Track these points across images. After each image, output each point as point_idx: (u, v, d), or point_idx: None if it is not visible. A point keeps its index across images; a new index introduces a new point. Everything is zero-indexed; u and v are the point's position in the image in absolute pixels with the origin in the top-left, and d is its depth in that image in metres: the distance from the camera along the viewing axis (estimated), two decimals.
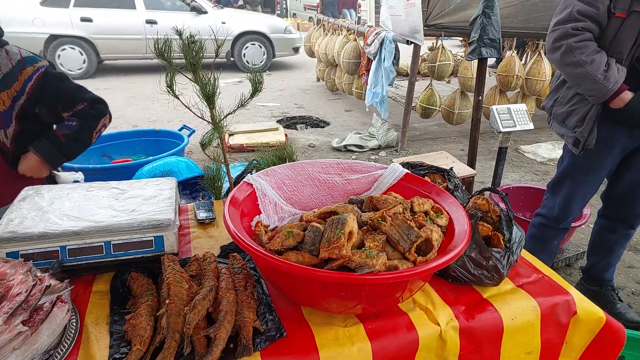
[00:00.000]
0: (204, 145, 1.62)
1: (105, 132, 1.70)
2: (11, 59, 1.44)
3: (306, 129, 5.01)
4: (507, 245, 1.12)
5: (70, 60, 7.07)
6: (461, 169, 2.57)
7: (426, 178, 1.47)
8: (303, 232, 0.88)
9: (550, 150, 4.28)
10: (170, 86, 1.49)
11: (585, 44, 1.63)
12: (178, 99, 1.54)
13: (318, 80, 6.88)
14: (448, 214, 1.06)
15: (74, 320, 0.87)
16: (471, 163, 2.94)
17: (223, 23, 7.69)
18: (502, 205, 1.41)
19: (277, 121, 5.13)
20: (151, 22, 7.35)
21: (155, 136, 3.55)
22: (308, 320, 0.94)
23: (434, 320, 0.97)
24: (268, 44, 8.01)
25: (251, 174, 1.14)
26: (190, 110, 1.59)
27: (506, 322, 1.01)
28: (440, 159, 2.71)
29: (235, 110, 1.61)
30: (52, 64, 1.55)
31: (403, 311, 0.98)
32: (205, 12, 7.72)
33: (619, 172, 1.90)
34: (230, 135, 4.27)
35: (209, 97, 1.38)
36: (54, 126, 1.58)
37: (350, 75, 5.16)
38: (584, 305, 1.10)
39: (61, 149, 1.52)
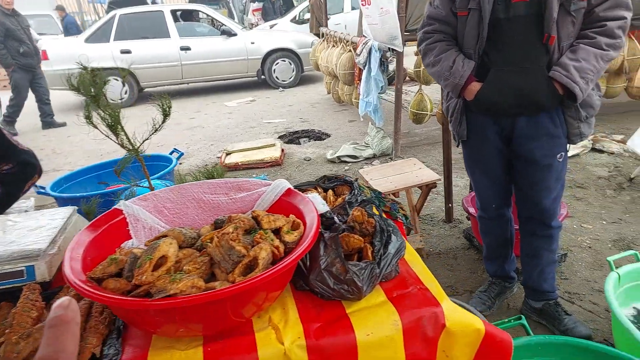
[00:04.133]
0: (117, 171, 1.68)
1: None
2: None
3: (309, 142, 5.06)
4: (376, 257, 1.10)
5: (113, 90, 7.54)
6: (425, 175, 2.51)
7: (327, 191, 1.47)
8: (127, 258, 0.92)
9: None
10: (87, 117, 1.55)
11: (434, 46, 1.79)
12: (97, 128, 1.61)
13: (328, 93, 6.94)
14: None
15: None
16: (447, 167, 2.86)
17: (252, 43, 8.01)
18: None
19: (280, 137, 5.22)
20: (185, 48, 7.77)
21: (149, 161, 3.71)
22: (152, 345, 0.96)
23: (280, 339, 0.97)
24: (297, 60, 8.22)
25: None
26: (109, 138, 1.65)
27: (361, 337, 0.99)
28: (407, 165, 2.66)
29: (150, 136, 1.66)
30: None
31: (252, 330, 0.99)
32: (235, 35, 8.07)
33: (513, 167, 1.90)
34: (227, 154, 4.39)
35: (111, 127, 1.44)
36: None
37: (349, 86, 5.17)
38: (456, 317, 1.05)
39: None
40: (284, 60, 8.21)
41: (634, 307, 1.87)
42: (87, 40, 7.60)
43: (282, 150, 4.49)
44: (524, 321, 1.60)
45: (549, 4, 1.56)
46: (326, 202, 1.39)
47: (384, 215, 1.58)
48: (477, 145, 1.92)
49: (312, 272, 1.06)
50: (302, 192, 1.44)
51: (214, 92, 8.32)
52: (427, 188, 2.52)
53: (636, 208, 3.04)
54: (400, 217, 1.67)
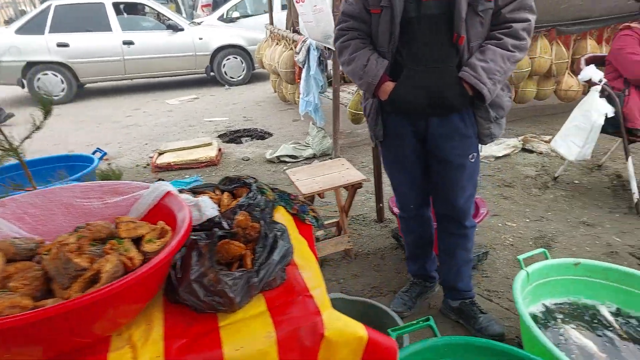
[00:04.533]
0: None
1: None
2: None
3: (251, 141, 4.94)
4: (255, 264, 1.03)
5: (51, 85, 7.05)
6: (351, 175, 2.48)
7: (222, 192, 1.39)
8: None
9: (487, 147, 4.16)
10: None
11: (349, 43, 1.74)
12: None
13: (275, 92, 6.83)
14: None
15: None
16: (377, 167, 2.85)
17: (200, 39, 7.73)
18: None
19: (220, 136, 5.06)
20: (128, 42, 7.38)
21: (69, 161, 3.47)
22: None
23: (136, 359, 0.88)
24: (247, 57, 8.01)
25: None
26: None
27: (229, 352, 0.91)
28: (335, 166, 2.62)
29: (31, 134, 1.51)
30: None
31: (107, 350, 0.89)
32: (182, 30, 7.75)
33: (430, 167, 1.89)
34: (160, 154, 4.20)
35: None
36: None
37: (291, 84, 5.10)
38: (337, 325, 1.00)
39: None
40: (236, 58, 8.00)
41: (542, 304, 1.91)
42: (18, 31, 7.07)
43: (220, 149, 4.35)
44: (431, 322, 1.58)
45: (457, 3, 1.56)
46: (220, 205, 1.31)
47: (289, 218, 1.52)
48: (394, 145, 1.90)
49: (182, 284, 0.97)
50: (196, 195, 1.35)
51: (158, 89, 8.00)
52: (353, 188, 2.49)
53: (557, 206, 3.16)
54: (310, 219, 1.61)
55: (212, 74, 7.96)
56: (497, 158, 4.04)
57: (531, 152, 4.16)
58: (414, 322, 1.60)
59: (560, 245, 2.67)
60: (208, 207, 1.22)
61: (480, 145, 1.83)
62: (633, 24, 3.08)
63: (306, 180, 2.45)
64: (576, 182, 3.52)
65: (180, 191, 1.36)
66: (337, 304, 2.06)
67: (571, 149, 3.15)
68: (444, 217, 1.97)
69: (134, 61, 7.48)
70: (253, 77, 8.21)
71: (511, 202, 3.25)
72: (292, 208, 1.54)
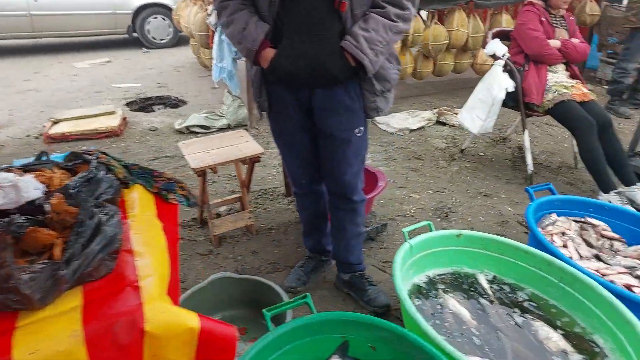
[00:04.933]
0: None
1: None
2: None
3: (163, 109, 4.63)
4: (66, 254, 0.90)
5: None
6: (249, 148, 2.37)
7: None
8: None
9: (403, 120, 4.22)
10: None
11: (227, 4, 1.61)
12: None
13: (195, 56, 6.44)
14: None
15: None
16: None
17: None
18: None
19: (128, 103, 4.69)
20: None
21: None
22: None
23: None
24: None
25: None
26: None
27: (21, 357, 0.80)
28: (234, 138, 2.49)
29: None
30: None
31: None
32: None
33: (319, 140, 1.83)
34: (54, 123, 3.80)
35: None
36: None
37: (206, 49, 4.81)
38: (161, 318, 0.91)
39: None
40: (164, 19, 7.37)
41: (426, 275, 1.95)
42: None
43: (124, 118, 4.02)
44: (308, 299, 1.55)
45: None
46: (50, 186, 1.15)
47: (149, 198, 1.39)
48: (280, 117, 1.80)
49: None
50: (35, 175, 1.18)
51: (67, 51, 7.25)
52: (251, 162, 2.38)
53: (461, 177, 3.26)
54: (178, 197, 1.49)
55: (134, 34, 7.32)
56: (412, 131, 4.10)
57: (444, 124, 4.27)
58: (292, 300, 1.57)
59: (457, 215, 2.77)
60: (30, 187, 1.06)
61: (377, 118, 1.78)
62: (535, 0, 3.17)
63: (199, 153, 2.30)
64: (481, 154, 3.66)
65: (7, 170, 1.19)
66: (224, 284, 1.99)
67: (475, 122, 3.24)
68: (334, 193, 1.93)
69: (44, 17, 6.67)
70: (182, 39, 7.58)
71: (419, 174, 3.32)
72: (153, 186, 1.41)
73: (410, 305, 1.49)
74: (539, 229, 2.17)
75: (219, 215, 2.61)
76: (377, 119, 4.32)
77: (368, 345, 1.49)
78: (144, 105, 4.67)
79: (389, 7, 1.55)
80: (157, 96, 4.95)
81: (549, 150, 3.71)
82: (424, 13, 4.74)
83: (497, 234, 2.54)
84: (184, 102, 4.79)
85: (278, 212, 2.81)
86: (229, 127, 4.05)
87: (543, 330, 1.65)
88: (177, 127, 3.95)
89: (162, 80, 5.61)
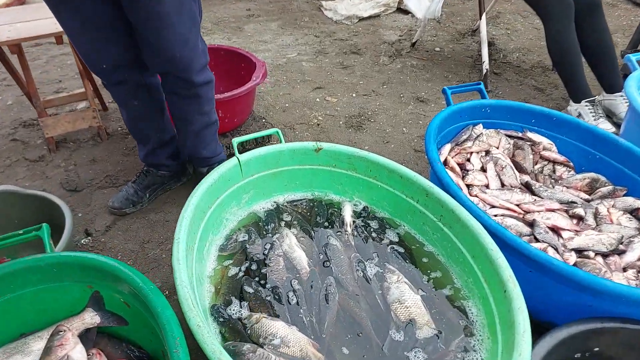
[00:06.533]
0: None
1: None
2: None
3: None
4: None
5: None
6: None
7: None
8: None
9: (353, 5, 3.41)
10: None
11: None
12: None
13: None
14: None
15: None
16: None
17: None
18: None
19: None
20: None
21: None
22: None
23: None
24: None
25: None
26: None
27: None
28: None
29: None
30: None
31: None
32: None
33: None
34: None
35: None
36: None
37: None
38: None
39: None
40: None
41: (274, 201, 1.43)
42: None
43: None
44: (43, 232, 1.06)
45: None
46: None
47: None
48: None
49: None
50: None
51: None
52: None
53: (398, 78, 2.59)
54: None
55: None
56: (362, 19, 3.32)
57: (407, 13, 3.46)
58: (20, 232, 1.07)
59: (375, 125, 2.17)
60: None
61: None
62: None
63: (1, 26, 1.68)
64: (437, 49, 2.93)
65: None
66: (6, 199, 1.50)
67: (421, 4, 2.50)
68: (165, 75, 1.40)
69: None
70: None
71: (348, 72, 2.65)
72: None
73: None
74: (451, 145, 1.60)
75: (56, 114, 2.05)
76: (324, 3, 3.52)
77: (121, 300, 1.02)
78: None
79: None
80: None
81: (526, 47, 2.95)
82: None
83: (416, 152, 1.98)
84: None
85: None
86: None
87: (398, 289, 1.15)
88: None
89: None
